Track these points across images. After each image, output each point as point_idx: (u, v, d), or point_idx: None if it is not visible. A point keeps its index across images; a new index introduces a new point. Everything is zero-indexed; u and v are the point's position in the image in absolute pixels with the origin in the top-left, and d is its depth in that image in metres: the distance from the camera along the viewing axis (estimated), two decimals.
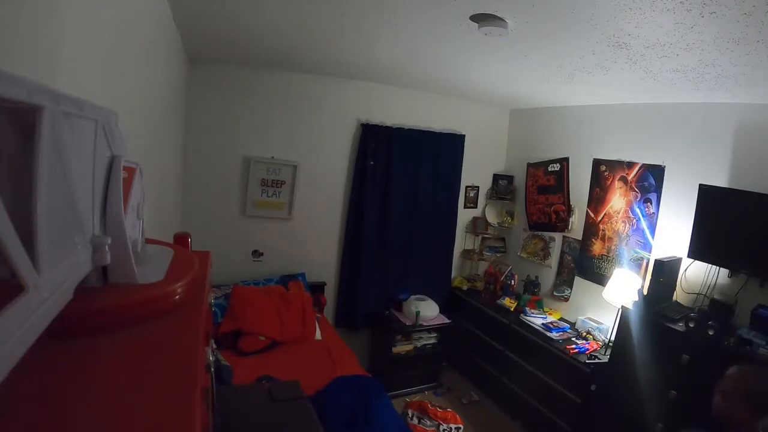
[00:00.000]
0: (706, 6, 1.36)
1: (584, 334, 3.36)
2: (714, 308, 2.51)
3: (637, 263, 3.16)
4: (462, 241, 4.52)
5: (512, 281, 4.12)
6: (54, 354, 0.42)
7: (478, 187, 4.50)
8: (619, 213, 3.34)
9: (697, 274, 2.75)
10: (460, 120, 4.23)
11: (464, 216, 4.47)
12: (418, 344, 3.90)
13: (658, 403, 2.51)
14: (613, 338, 3.04)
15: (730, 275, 2.58)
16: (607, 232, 3.43)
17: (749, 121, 2.58)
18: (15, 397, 0.35)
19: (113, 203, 0.55)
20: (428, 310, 3.90)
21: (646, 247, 3.12)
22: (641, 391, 2.59)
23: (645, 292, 2.81)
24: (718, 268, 2.62)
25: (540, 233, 4.08)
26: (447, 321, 3.95)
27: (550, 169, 3.92)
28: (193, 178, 3.37)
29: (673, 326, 2.53)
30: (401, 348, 3.82)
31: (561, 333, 3.38)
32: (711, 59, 1.90)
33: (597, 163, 3.52)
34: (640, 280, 3.01)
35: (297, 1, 1.85)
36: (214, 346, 1.07)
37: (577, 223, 3.69)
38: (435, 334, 3.97)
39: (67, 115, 0.43)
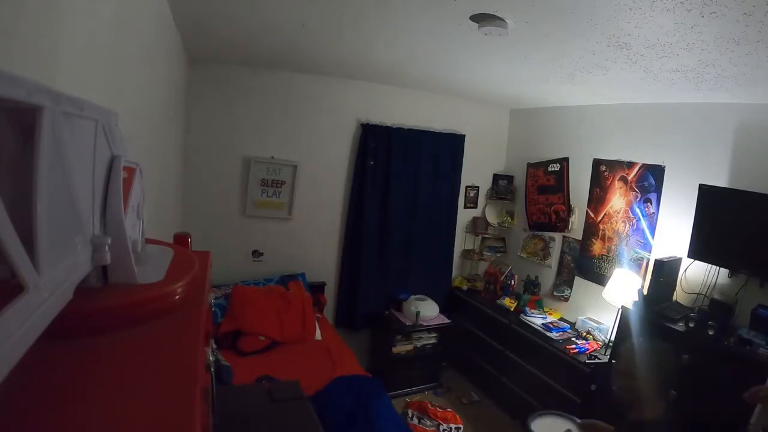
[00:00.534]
0: (706, 6, 1.36)
1: (584, 334, 3.36)
2: (714, 308, 2.51)
3: (637, 263, 3.15)
4: (462, 241, 4.52)
5: (512, 281, 4.12)
6: (54, 354, 0.42)
7: (478, 187, 4.50)
8: (619, 213, 3.33)
9: (697, 274, 2.75)
10: (460, 120, 4.22)
11: (464, 216, 4.47)
12: (418, 344, 3.90)
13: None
14: (613, 338, 3.04)
15: (730, 275, 2.58)
16: (607, 232, 3.43)
17: (749, 121, 2.58)
18: (15, 397, 0.35)
19: (113, 203, 0.55)
20: (428, 310, 3.90)
21: (646, 247, 3.12)
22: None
23: (645, 292, 2.81)
24: (718, 268, 2.62)
25: (540, 233, 4.08)
26: (447, 321, 3.95)
27: (550, 169, 3.92)
28: (193, 178, 3.37)
29: (673, 326, 2.53)
30: (401, 348, 3.82)
31: (561, 333, 3.38)
32: (711, 59, 1.89)
33: (597, 163, 3.52)
34: (640, 280, 3.00)
35: (297, 1, 1.85)
36: (214, 346, 1.07)
37: (577, 223, 3.69)
38: (435, 334, 3.97)
39: (67, 115, 0.43)
